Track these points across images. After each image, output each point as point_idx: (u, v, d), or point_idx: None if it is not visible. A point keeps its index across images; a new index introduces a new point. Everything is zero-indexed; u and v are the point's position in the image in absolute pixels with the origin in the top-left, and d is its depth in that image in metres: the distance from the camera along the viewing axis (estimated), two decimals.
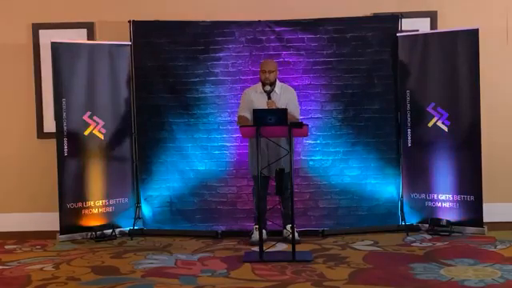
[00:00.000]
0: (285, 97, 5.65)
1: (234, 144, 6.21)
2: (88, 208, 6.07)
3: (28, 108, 6.45)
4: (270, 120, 5.05)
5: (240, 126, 5.38)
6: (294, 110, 5.63)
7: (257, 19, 6.20)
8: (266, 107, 5.51)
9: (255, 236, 5.54)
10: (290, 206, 5.22)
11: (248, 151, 5.81)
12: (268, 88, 5.62)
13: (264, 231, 5.52)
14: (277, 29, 6.19)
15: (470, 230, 5.84)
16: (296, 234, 5.34)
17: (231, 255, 5.26)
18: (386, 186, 6.15)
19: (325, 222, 6.08)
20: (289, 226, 5.55)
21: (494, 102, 6.17)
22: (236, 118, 5.84)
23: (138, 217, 6.19)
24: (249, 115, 5.54)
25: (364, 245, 5.52)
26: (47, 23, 6.38)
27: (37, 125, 6.46)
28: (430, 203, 6.04)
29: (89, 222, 6.04)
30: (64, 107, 5.96)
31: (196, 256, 5.25)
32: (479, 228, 5.82)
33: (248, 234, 5.82)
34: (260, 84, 5.71)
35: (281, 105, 5.55)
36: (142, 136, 6.24)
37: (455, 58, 5.92)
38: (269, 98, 5.59)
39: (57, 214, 5.95)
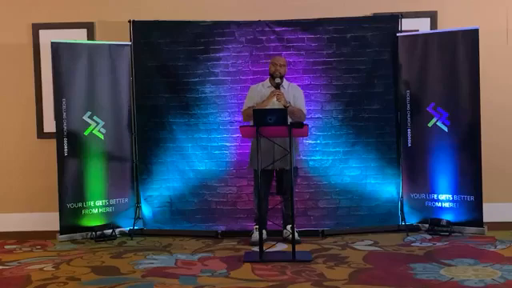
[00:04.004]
0: (292, 93, 5.71)
1: (234, 144, 6.21)
2: (88, 208, 6.07)
3: (28, 108, 6.45)
4: (269, 120, 5.05)
5: (240, 127, 5.37)
6: (301, 105, 5.72)
7: (257, 19, 6.20)
8: (272, 95, 5.56)
9: (255, 236, 5.54)
10: (287, 206, 5.23)
11: (251, 145, 5.79)
12: (278, 80, 5.64)
13: (264, 231, 5.53)
14: (277, 29, 6.20)
15: (470, 230, 5.84)
16: (296, 234, 5.34)
17: (231, 255, 5.26)
18: (386, 186, 6.15)
19: (325, 222, 6.08)
20: (289, 227, 5.55)
21: (493, 101, 6.17)
22: (241, 115, 5.86)
23: (138, 217, 6.19)
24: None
25: (364, 245, 5.52)
26: (47, 23, 6.39)
27: (37, 125, 6.46)
28: (429, 203, 6.04)
29: (89, 221, 6.04)
30: (64, 107, 5.96)
31: (196, 256, 5.25)
32: (479, 228, 5.82)
33: (248, 233, 5.83)
34: (267, 80, 5.77)
35: (287, 98, 5.60)
36: (142, 136, 6.24)
37: (455, 58, 5.93)
38: (277, 89, 5.62)
39: (57, 214, 5.95)
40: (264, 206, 5.58)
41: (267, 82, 5.78)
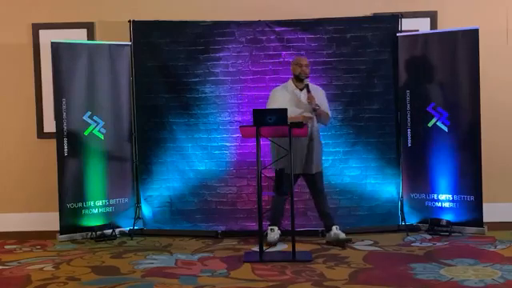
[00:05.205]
0: (317, 95, 5.61)
1: (234, 144, 6.21)
2: (88, 208, 6.07)
3: (28, 108, 6.45)
4: (269, 120, 5.04)
5: (240, 126, 5.36)
6: (327, 108, 5.67)
7: (257, 19, 6.20)
8: (306, 102, 5.49)
9: (272, 236, 5.55)
10: (327, 205, 5.54)
11: (271, 146, 5.65)
12: (307, 81, 5.55)
13: (279, 231, 5.61)
14: (277, 29, 6.20)
15: (470, 230, 5.84)
16: (343, 235, 5.48)
17: (231, 255, 5.26)
18: (386, 186, 6.15)
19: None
20: (335, 227, 5.55)
21: (493, 101, 6.17)
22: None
23: (138, 217, 6.20)
24: None
25: (364, 245, 5.52)
26: (47, 23, 6.39)
27: (37, 125, 6.46)
28: (429, 203, 6.04)
29: (89, 221, 6.04)
30: (64, 107, 5.96)
31: (196, 256, 5.25)
32: (479, 228, 5.82)
33: (248, 234, 5.85)
34: (290, 82, 5.65)
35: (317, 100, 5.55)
36: (142, 136, 6.24)
37: (455, 58, 5.93)
38: (308, 91, 5.52)
39: (57, 214, 5.95)
40: (283, 206, 5.60)
41: (291, 85, 5.64)
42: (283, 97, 5.58)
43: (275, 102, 5.56)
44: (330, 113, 5.71)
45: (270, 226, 5.65)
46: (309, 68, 5.63)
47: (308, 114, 5.51)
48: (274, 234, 5.59)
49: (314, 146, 5.58)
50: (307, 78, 5.60)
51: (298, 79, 5.61)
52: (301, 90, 5.60)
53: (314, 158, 5.58)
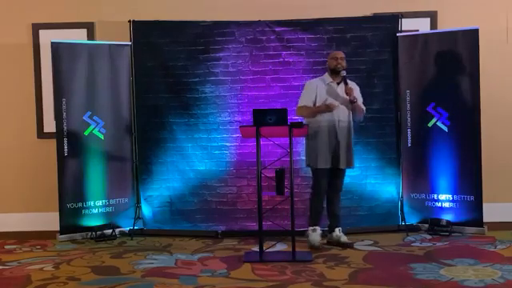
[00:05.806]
0: (354, 89, 5.51)
1: (234, 144, 6.21)
2: (88, 208, 6.07)
3: (28, 108, 6.45)
4: (269, 120, 5.04)
5: (240, 126, 5.35)
6: (361, 103, 5.58)
7: (257, 19, 6.20)
8: (343, 95, 5.41)
9: (313, 238, 5.45)
10: (339, 206, 5.48)
11: (306, 143, 5.57)
12: (344, 73, 5.45)
13: (319, 231, 5.51)
14: (277, 29, 6.20)
15: (470, 230, 5.84)
16: (345, 238, 5.47)
17: (231, 255, 5.26)
18: (386, 186, 6.15)
19: (325, 222, 6.06)
20: (337, 230, 5.54)
21: (494, 101, 6.17)
22: (296, 109, 5.56)
23: (138, 217, 6.20)
24: (311, 105, 5.44)
25: (364, 245, 5.52)
26: (47, 23, 6.39)
27: (37, 125, 6.46)
28: (429, 203, 6.04)
29: (89, 221, 6.04)
30: (64, 107, 5.96)
31: (196, 256, 5.25)
32: (479, 228, 5.82)
33: (248, 234, 5.85)
34: (327, 75, 5.57)
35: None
36: (142, 136, 6.25)
37: (455, 57, 5.93)
38: (346, 83, 5.43)
39: (57, 214, 5.95)
40: (322, 205, 5.56)
41: (327, 77, 5.55)
42: (320, 87, 5.51)
43: (306, 94, 5.51)
44: (364, 108, 5.61)
45: (310, 226, 5.53)
46: (344, 61, 5.53)
47: (336, 103, 5.41)
48: (315, 234, 5.47)
49: (351, 140, 5.52)
50: (344, 70, 5.49)
51: (335, 72, 5.50)
52: (338, 83, 5.50)
53: (351, 153, 5.52)
